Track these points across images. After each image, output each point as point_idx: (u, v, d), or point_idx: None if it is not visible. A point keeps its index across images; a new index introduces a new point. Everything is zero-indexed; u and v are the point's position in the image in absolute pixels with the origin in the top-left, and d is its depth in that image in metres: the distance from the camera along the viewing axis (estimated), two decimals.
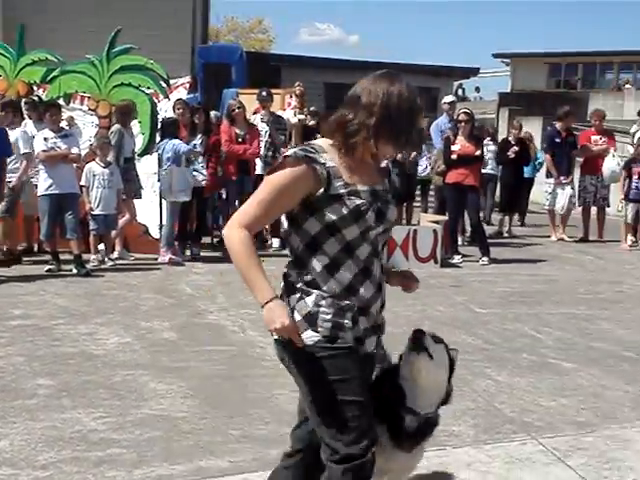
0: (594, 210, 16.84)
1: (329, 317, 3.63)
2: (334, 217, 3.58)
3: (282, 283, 3.79)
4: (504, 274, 12.60)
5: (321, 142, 3.77)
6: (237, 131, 13.07)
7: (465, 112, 14.16)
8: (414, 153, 15.19)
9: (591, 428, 6.03)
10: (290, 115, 15.39)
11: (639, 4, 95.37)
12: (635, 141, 16.65)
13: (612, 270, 13.25)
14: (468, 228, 14.61)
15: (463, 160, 13.41)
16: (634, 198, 15.54)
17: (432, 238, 12.93)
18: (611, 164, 16.11)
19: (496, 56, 51.01)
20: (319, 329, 3.64)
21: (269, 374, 7.04)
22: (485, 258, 13.37)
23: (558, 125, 16.82)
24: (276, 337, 3.70)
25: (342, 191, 3.61)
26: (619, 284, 11.94)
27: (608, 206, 16.72)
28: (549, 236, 16.62)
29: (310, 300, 3.65)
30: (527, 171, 19.21)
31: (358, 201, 3.62)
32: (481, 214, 14.51)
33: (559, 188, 16.61)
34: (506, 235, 17.14)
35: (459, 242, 14.32)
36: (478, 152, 13.66)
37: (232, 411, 6.23)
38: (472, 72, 33.68)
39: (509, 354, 7.78)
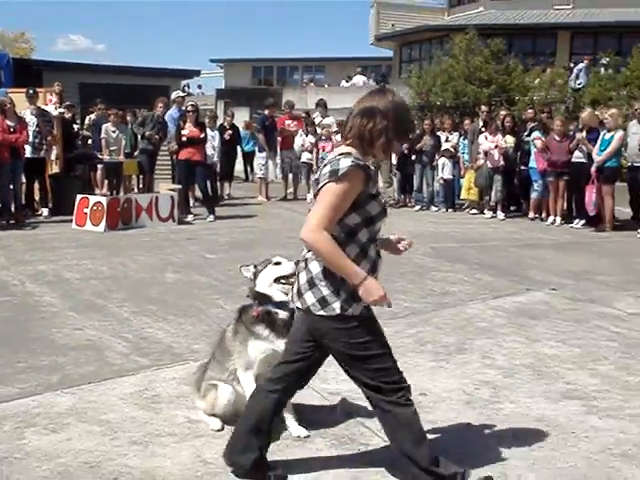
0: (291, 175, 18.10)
1: None
2: (373, 212, 3.74)
3: (316, 264, 3.82)
4: (227, 227, 13.29)
5: (347, 149, 3.80)
6: (9, 123, 12.98)
7: (191, 104, 15.16)
8: None
9: None
10: (52, 109, 15.54)
11: (316, 21, 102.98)
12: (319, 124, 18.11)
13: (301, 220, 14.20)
14: (198, 193, 15.10)
15: (191, 141, 14.10)
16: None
17: (170, 202, 13.65)
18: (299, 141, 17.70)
19: (212, 61, 54.71)
20: (361, 302, 3.76)
21: (46, 317, 7.24)
22: (211, 216, 14.11)
23: (266, 112, 18.00)
24: (324, 314, 3.76)
25: (375, 191, 3.81)
26: None
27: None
28: (256, 197, 17.68)
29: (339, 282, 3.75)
30: (248, 147, 20.42)
31: (384, 199, 4.04)
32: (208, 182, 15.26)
33: (270, 160, 17.83)
34: (226, 197, 17.92)
35: (191, 204, 15.03)
36: (202, 135, 14.39)
37: (17, 348, 6.28)
38: (195, 73, 35.63)
39: (233, 288, 7.95)
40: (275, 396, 4.09)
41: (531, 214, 15.03)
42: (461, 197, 16.43)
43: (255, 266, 4.75)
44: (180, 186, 14.33)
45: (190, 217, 14.15)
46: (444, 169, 16.04)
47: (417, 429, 3.90)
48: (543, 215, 14.88)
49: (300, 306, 3.90)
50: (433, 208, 16.28)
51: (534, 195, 15.02)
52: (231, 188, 18.39)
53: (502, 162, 15.05)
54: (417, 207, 16.41)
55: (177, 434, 4.68)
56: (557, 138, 14.32)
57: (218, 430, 4.74)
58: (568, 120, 15.35)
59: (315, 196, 3.81)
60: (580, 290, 8.72)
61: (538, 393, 5.43)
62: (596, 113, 15.00)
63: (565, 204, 14.80)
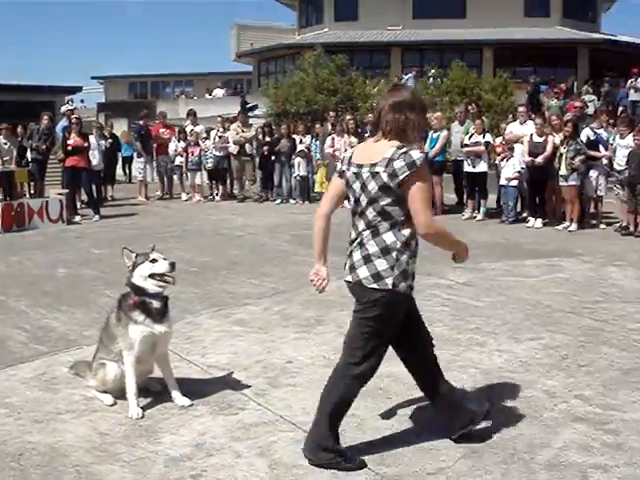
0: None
1: (411, 274, 3.84)
2: None
3: (373, 244, 3.76)
4: (111, 225, 12.95)
5: (396, 144, 3.70)
6: None
7: (75, 117, 14.81)
8: None
9: (176, 319, 6.09)
10: None
11: (184, 41, 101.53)
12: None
13: (181, 215, 13.94)
14: (84, 196, 14.60)
15: (76, 150, 13.67)
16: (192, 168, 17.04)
17: (59, 205, 13.23)
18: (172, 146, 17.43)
19: (93, 78, 53.08)
20: (408, 282, 3.81)
21: None
22: (97, 216, 13.72)
23: (141, 122, 17.65)
24: (376, 287, 3.73)
25: None
26: (187, 225, 12.63)
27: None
28: (136, 197, 17.34)
29: (404, 260, 3.75)
30: (127, 153, 20.03)
31: None
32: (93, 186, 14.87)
33: (148, 164, 17.52)
34: (109, 199, 17.38)
35: (78, 206, 14.49)
36: (86, 144, 14.00)
37: None
38: (78, 89, 34.59)
39: (118, 279, 7.75)
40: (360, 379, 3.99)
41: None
42: (315, 190, 16.56)
43: (136, 255, 4.67)
44: (67, 190, 13.89)
45: (78, 218, 13.72)
46: (299, 167, 16.15)
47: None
48: None
49: (351, 280, 3.87)
50: (292, 201, 16.34)
51: None
52: (114, 190, 17.96)
53: None
54: (278, 201, 16.44)
55: (75, 411, 4.59)
56: None
57: (111, 405, 4.67)
58: None
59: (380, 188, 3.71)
60: (418, 265, 8.92)
61: (387, 353, 5.55)
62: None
63: None
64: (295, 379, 5.04)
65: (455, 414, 4.11)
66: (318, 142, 16.28)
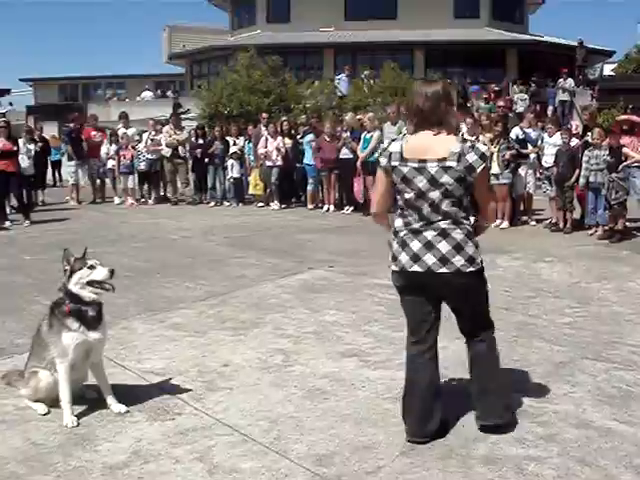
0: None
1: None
2: None
3: (458, 232, 3.96)
4: (42, 230, 12.63)
5: (451, 137, 3.98)
6: None
7: (3, 120, 14.49)
8: None
9: (110, 325, 5.89)
10: None
11: (115, 42, 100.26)
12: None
13: (114, 219, 13.62)
14: (14, 201, 14.23)
15: (4, 154, 13.28)
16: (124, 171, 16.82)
17: None
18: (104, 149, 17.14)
19: (22, 80, 51.15)
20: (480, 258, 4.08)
21: None
22: (27, 221, 13.41)
23: (72, 125, 17.46)
24: (473, 269, 3.98)
25: None
26: (120, 229, 12.37)
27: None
28: (67, 201, 16.99)
29: (476, 240, 4.05)
30: (56, 157, 19.69)
31: None
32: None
33: (79, 168, 17.18)
34: (40, 204, 17.00)
35: (7, 211, 14.01)
36: (15, 148, 13.66)
37: None
38: (6, 92, 33.93)
39: (50, 285, 7.08)
40: (435, 358, 4.25)
41: (309, 205, 15.34)
42: (249, 192, 16.53)
43: (75, 259, 4.53)
44: None
45: (8, 223, 13.33)
46: (233, 169, 16.09)
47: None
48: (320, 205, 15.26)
49: (447, 270, 3.96)
50: (226, 203, 16.27)
51: (310, 188, 15.38)
52: (44, 195, 17.58)
53: (280, 161, 15.33)
54: (212, 203, 16.34)
55: (7, 421, 4.47)
56: (327, 139, 14.69)
57: (44, 414, 4.56)
58: (335, 123, 15.76)
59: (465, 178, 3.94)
60: (353, 265, 9.00)
61: (322, 354, 5.58)
62: (357, 117, 15.53)
63: (337, 194, 15.21)
64: (231, 382, 5.00)
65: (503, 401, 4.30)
66: (251, 144, 16.24)
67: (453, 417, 4.37)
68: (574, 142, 12.12)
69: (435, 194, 3.92)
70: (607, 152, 11.08)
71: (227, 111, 22.99)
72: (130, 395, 4.77)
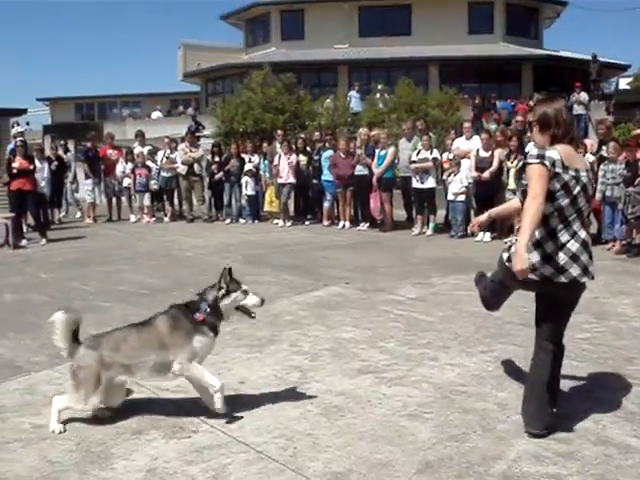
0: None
1: None
2: None
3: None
4: (59, 249, 12.65)
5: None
6: None
7: (20, 139, 14.73)
8: None
9: None
10: None
11: (131, 61, 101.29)
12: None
13: (130, 237, 13.77)
14: (31, 220, 14.31)
15: (21, 172, 13.47)
16: (140, 189, 16.97)
17: (4, 230, 13.06)
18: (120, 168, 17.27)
19: (39, 99, 52.38)
20: None
21: None
22: (44, 240, 13.44)
23: (88, 144, 17.72)
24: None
25: None
26: (136, 246, 12.48)
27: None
28: (85, 220, 17.08)
29: None
30: None
31: None
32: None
33: (96, 186, 17.26)
34: (57, 222, 17.00)
35: (24, 230, 14.10)
36: (31, 166, 13.80)
37: None
38: (23, 111, 34.18)
39: (67, 302, 7.56)
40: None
41: (325, 221, 15.35)
42: (265, 209, 16.57)
43: (231, 280, 4.79)
44: (13, 214, 13.62)
45: (24, 242, 13.43)
46: (248, 186, 16.15)
47: None
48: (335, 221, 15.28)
49: (566, 280, 4.17)
50: (241, 220, 16.32)
51: (326, 205, 15.39)
52: (61, 213, 17.72)
53: (292, 178, 15.36)
54: (228, 220, 16.39)
55: (23, 439, 4.46)
56: (342, 155, 14.71)
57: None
58: (350, 139, 15.79)
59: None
60: (369, 282, 8.99)
61: (338, 371, 5.56)
62: (372, 133, 15.56)
63: (352, 210, 15.22)
64: (248, 399, 4.99)
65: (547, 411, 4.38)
66: (267, 161, 16.29)
67: (473, 433, 4.34)
68: (590, 158, 12.07)
69: (584, 202, 4.18)
70: (623, 166, 11.03)
71: (242, 128, 23.08)
72: (145, 413, 4.77)
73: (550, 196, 4.08)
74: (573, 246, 4.15)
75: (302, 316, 7.34)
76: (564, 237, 4.15)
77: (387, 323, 6.97)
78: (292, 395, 5.06)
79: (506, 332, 6.55)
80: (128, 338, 4.76)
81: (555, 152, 4.08)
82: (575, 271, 4.15)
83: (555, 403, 4.41)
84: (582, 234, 4.19)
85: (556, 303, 4.34)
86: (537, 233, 4.14)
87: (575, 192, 4.10)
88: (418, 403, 4.85)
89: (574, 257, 4.15)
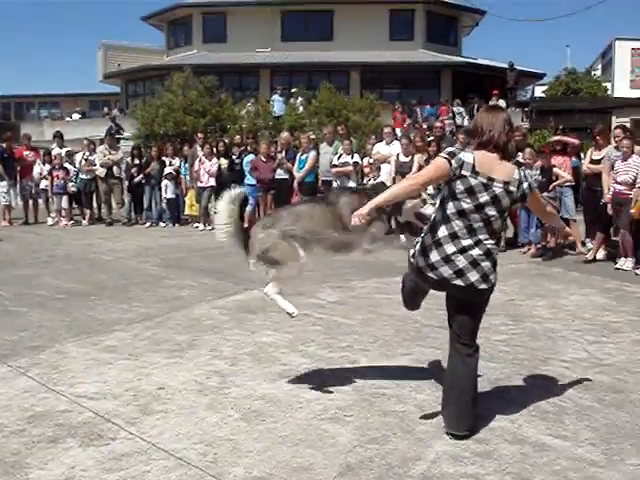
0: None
1: None
2: None
3: (495, 252, 4.33)
4: None
5: (512, 164, 4.33)
6: None
7: None
8: None
9: (43, 348, 6.22)
10: None
11: (49, 60, 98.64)
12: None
13: (47, 241, 13.36)
14: None
15: None
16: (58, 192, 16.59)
17: None
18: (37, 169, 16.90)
19: None
20: None
21: None
22: None
23: (4, 145, 16.92)
24: (489, 286, 4.29)
25: None
26: (53, 250, 12.10)
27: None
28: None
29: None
30: None
31: None
32: None
33: (11, 188, 16.81)
34: None
35: None
36: None
37: None
38: None
39: None
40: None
41: (246, 225, 15.21)
42: (185, 213, 16.40)
43: None
44: None
45: None
46: (168, 190, 15.97)
47: None
48: None
49: (485, 287, 4.29)
50: (162, 224, 16.12)
51: (248, 209, 15.30)
52: None
53: (212, 182, 15.25)
54: (148, 224, 16.17)
55: None
56: (263, 159, 14.68)
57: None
58: (271, 143, 15.79)
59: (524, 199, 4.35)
60: (289, 286, 8.95)
61: (259, 376, 5.53)
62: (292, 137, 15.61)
63: None
64: (167, 405, 4.92)
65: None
66: (187, 164, 16.14)
67: (393, 435, 4.38)
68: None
69: (493, 212, 4.22)
70: (538, 172, 11.31)
71: (163, 131, 22.84)
72: (62, 420, 4.66)
73: (453, 197, 4.21)
74: (475, 252, 4.23)
75: (222, 320, 7.29)
76: (467, 242, 4.23)
77: (307, 327, 6.98)
78: (212, 400, 5.01)
79: (425, 335, 6.64)
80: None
81: (470, 155, 4.18)
82: (473, 276, 4.23)
83: (474, 404, 4.48)
84: (488, 243, 4.26)
85: (462, 304, 4.41)
86: (439, 232, 4.26)
87: (482, 200, 4.16)
88: (338, 406, 4.87)
89: (474, 263, 4.23)
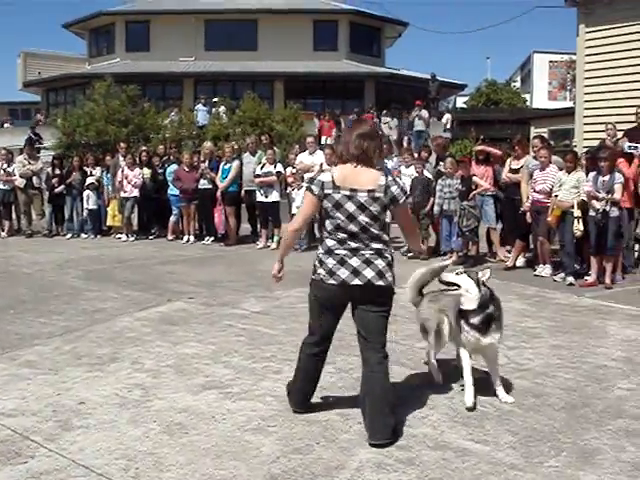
0: None
1: None
2: None
3: (388, 252, 4.59)
4: None
5: (376, 172, 4.54)
6: None
7: None
8: None
9: None
10: None
11: None
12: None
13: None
14: None
15: None
16: None
17: None
18: None
19: None
20: None
21: None
22: None
23: None
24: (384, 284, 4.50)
25: None
26: None
27: None
28: None
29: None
30: None
31: None
32: None
33: None
34: None
35: None
36: None
37: None
38: None
39: None
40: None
41: (170, 235, 15.11)
42: (107, 224, 16.11)
43: None
44: None
45: None
46: (89, 200, 15.68)
47: None
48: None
49: (382, 284, 4.50)
50: (83, 235, 15.81)
51: (172, 219, 15.18)
52: None
53: (135, 192, 15.08)
54: (69, 235, 15.84)
55: None
56: (186, 169, 14.58)
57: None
58: (194, 153, 15.69)
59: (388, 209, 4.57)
60: (213, 296, 8.93)
61: (182, 388, 5.48)
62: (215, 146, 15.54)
63: (197, 224, 15.11)
64: (88, 420, 4.83)
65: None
66: (109, 174, 15.89)
67: (317, 444, 4.40)
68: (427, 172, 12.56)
69: (365, 219, 4.46)
70: (459, 181, 11.53)
71: (84, 141, 22.48)
72: None
73: (327, 214, 4.54)
74: (366, 252, 4.51)
75: (144, 332, 7.20)
76: (355, 245, 4.51)
77: (231, 337, 6.95)
78: (134, 414, 4.94)
79: (347, 344, 6.64)
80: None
81: (327, 175, 4.55)
82: (369, 273, 4.48)
83: (393, 411, 4.53)
84: (375, 246, 4.52)
85: (365, 307, 4.58)
86: (329, 243, 4.57)
87: (351, 210, 4.45)
88: (262, 417, 4.86)
89: (367, 261, 4.49)
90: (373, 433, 4.43)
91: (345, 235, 4.49)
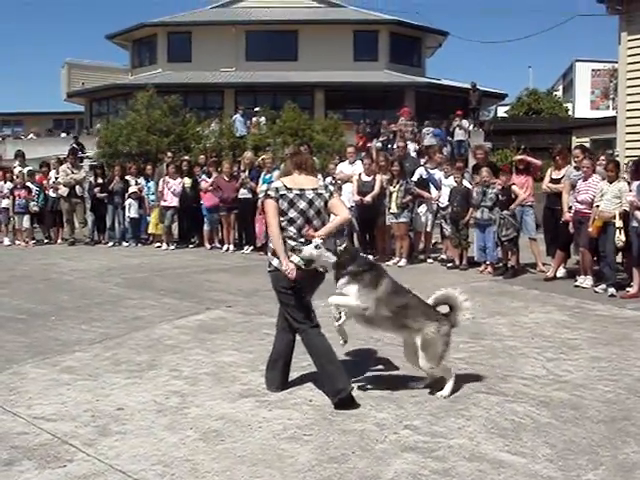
0: None
1: None
2: None
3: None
4: None
5: (314, 176, 5.81)
6: None
7: None
8: None
9: (0, 370, 6.13)
10: None
11: (12, 78, 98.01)
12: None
13: (7, 260, 13.16)
14: None
15: None
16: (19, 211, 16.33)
17: None
18: None
19: None
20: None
21: None
22: None
23: None
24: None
25: None
26: (13, 270, 12.02)
27: None
28: None
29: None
30: None
31: None
32: None
33: None
34: None
35: None
36: None
37: None
38: None
39: None
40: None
41: (207, 244, 15.23)
42: (149, 231, 16.29)
43: None
44: None
45: None
46: (131, 209, 15.87)
47: None
48: (219, 244, 15.23)
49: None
50: (124, 244, 16.01)
51: (205, 227, 15.31)
52: None
53: (175, 202, 15.24)
54: (110, 244, 16.06)
55: None
56: (226, 178, 14.69)
57: None
58: (234, 163, 15.81)
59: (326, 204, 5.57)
60: (251, 305, 8.97)
61: (219, 395, 5.52)
62: (256, 156, 15.63)
63: (236, 234, 15.20)
64: (125, 426, 4.88)
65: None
66: (152, 183, 16.07)
67: (352, 454, 4.39)
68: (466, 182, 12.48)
69: (312, 212, 5.47)
70: (494, 190, 11.43)
71: (126, 150, 22.76)
72: (18, 442, 4.59)
73: (282, 213, 5.38)
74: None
75: (183, 340, 7.26)
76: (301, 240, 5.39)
77: (268, 346, 6.89)
78: (171, 421, 4.98)
79: (386, 353, 6.66)
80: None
81: (279, 182, 5.55)
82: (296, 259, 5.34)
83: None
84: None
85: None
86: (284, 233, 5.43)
87: (302, 206, 5.40)
88: (298, 425, 4.87)
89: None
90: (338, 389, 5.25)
91: (300, 226, 5.45)
